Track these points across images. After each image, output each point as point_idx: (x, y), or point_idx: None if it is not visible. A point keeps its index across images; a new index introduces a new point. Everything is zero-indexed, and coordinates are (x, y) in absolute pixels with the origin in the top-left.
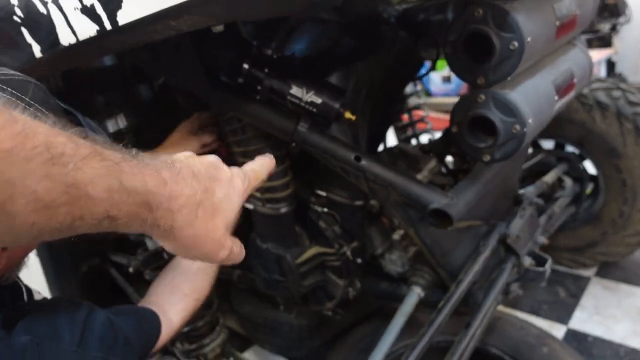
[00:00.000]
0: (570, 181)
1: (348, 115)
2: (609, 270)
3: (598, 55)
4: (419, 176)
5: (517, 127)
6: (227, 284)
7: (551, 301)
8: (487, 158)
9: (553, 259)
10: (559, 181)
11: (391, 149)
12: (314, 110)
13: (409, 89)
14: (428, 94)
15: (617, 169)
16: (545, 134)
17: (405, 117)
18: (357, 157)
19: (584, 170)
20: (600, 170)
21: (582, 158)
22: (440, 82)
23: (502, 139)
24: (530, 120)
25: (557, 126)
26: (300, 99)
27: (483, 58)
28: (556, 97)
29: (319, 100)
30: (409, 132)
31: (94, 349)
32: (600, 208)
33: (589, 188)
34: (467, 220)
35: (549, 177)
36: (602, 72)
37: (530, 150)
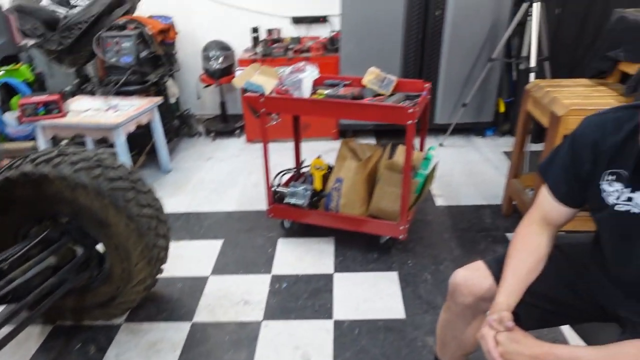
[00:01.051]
0: (81, 249)
1: None
2: (137, 313)
3: (150, 102)
4: None
5: None
6: None
7: None
8: None
9: (88, 318)
10: (72, 251)
11: None
12: None
13: None
14: (6, 137)
15: (109, 235)
16: (42, 212)
17: None
18: None
19: (88, 238)
20: (99, 238)
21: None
22: (16, 124)
23: None
24: None
25: (50, 205)
26: None
27: None
28: None
29: None
30: None
31: None
32: (110, 268)
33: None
34: None
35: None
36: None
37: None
